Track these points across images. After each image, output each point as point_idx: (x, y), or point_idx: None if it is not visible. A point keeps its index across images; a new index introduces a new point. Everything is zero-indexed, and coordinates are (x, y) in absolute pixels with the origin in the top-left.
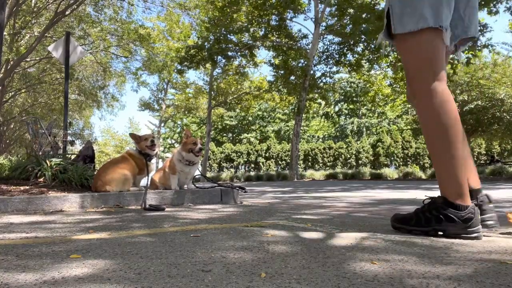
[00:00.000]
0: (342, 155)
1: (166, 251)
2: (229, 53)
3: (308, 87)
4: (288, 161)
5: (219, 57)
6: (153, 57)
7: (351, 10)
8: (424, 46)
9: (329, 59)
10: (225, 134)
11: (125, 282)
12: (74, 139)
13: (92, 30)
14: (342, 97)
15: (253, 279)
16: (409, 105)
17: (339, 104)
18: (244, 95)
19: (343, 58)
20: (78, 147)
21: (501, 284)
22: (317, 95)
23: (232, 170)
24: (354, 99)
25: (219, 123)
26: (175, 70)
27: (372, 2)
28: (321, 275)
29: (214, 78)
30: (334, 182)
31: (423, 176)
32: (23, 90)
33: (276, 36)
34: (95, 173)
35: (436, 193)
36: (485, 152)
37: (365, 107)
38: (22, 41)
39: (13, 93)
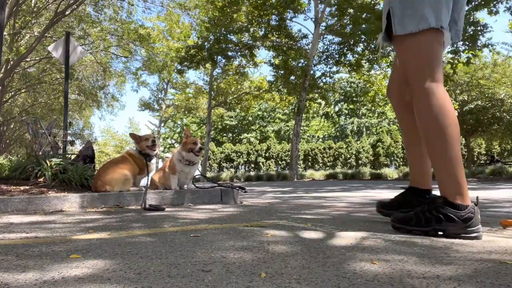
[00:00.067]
0: (342, 155)
1: (166, 251)
2: (229, 53)
3: (308, 87)
4: (288, 161)
5: (219, 57)
6: (153, 57)
7: (351, 10)
8: (424, 47)
9: (329, 59)
10: (225, 134)
11: (125, 282)
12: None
13: (92, 30)
14: (342, 97)
15: (253, 279)
16: None
17: (339, 104)
18: (244, 95)
19: (343, 58)
20: (78, 147)
21: (501, 284)
22: (317, 95)
23: (232, 170)
24: (354, 99)
25: (219, 123)
26: (175, 70)
27: (372, 2)
28: (321, 275)
29: (214, 78)
30: (334, 182)
31: None
32: (23, 90)
33: (276, 36)
34: (95, 173)
35: (436, 193)
36: (485, 152)
37: (365, 107)
38: (22, 41)
39: (13, 93)
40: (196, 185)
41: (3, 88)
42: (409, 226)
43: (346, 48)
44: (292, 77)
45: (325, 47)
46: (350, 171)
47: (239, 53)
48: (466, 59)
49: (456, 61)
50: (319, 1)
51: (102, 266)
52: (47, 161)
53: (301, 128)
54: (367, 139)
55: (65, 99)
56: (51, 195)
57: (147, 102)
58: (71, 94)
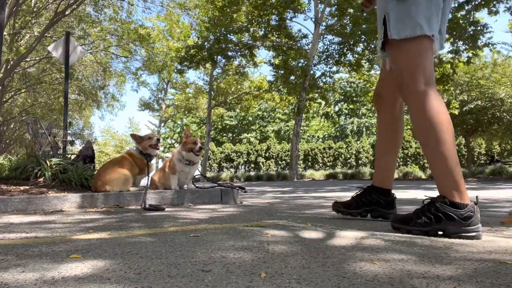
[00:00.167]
0: (342, 155)
1: (166, 251)
2: (229, 53)
3: (308, 87)
4: (288, 161)
5: (219, 57)
6: (153, 57)
7: (351, 10)
8: (418, 52)
9: (329, 59)
10: (225, 134)
11: (125, 282)
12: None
13: (92, 30)
14: (342, 97)
15: (253, 279)
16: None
17: (339, 104)
18: (244, 95)
19: (343, 58)
20: (78, 147)
21: (501, 284)
22: (317, 95)
23: (232, 170)
24: (354, 99)
25: (219, 123)
26: (175, 70)
27: None
28: (321, 275)
29: (214, 78)
30: (334, 182)
31: (423, 176)
32: (23, 90)
33: (276, 36)
34: (95, 173)
35: (436, 193)
36: (485, 152)
37: (365, 107)
38: (22, 41)
39: (13, 93)
40: (196, 185)
41: (3, 88)
42: (409, 226)
43: (346, 48)
44: (292, 77)
45: (325, 47)
46: (350, 171)
47: (239, 53)
48: (466, 58)
49: (456, 61)
50: (319, 1)
51: (102, 266)
52: (47, 161)
53: (301, 128)
54: (367, 139)
55: (65, 99)
56: (51, 195)
57: (147, 102)
58: (71, 94)
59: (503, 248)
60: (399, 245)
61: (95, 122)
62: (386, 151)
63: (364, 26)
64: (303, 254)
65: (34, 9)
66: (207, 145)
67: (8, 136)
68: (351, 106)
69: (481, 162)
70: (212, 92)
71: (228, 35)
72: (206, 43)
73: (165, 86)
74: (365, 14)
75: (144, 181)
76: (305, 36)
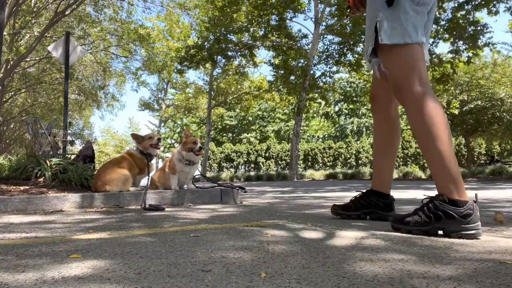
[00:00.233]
0: (342, 155)
1: (166, 251)
2: (229, 53)
3: (308, 87)
4: (288, 161)
5: (219, 57)
6: (153, 57)
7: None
8: (410, 56)
9: (329, 59)
10: (225, 134)
11: (125, 282)
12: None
13: (92, 30)
14: (342, 97)
15: (253, 279)
16: None
17: (339, 104)
18: (244, 95)
19: (343, 58)
20: (78, 147)
21: (501, 284)
22: (317, 95)
23: (232, 170)
24: (354, 99)
25: (219, 123)
26: (175, 70)
27: None
28: (321, 275)
29: (214, 78)
30: (334, 182)
31: (423, 176)
32: (23, 90)
33: (276, 36)
34: (95, 173)
35: (435, 193)
36: (485, 152)
37: (365, 107)
38: (22, 41)
39: (13, 93)
40: (196, 185)
41: (3, 88)
42: (408, 226)
43: (346, 48)
44: (292, 77)
45: (325, 47)
46: (350, 171)
47: (239, 53)
48: (466, 58)
49: (456, 61)
50: (319, 1)
51: (102, 266)
52: (47, 161)
53: (301, 128)
54: (367, 139)
55: (65, 99)
56: (51, 195)
57: (147, 102)
58: (71, 94)
59: (503, 248)
60: (399, 245)
61: (95, 122)
62: (384, 152)
63: (364, 26)
64: (303, 254)
65: (34, 9)
66: (207, 145)
67: (8, 136)
68: (351, 106)
69: (481, 162)
70: (212, 92)
71: (228, 35)
72: (206, 43)
73: (165, 86)
74: (364, 14)
75: (144, 181)
76: (305, 36)
